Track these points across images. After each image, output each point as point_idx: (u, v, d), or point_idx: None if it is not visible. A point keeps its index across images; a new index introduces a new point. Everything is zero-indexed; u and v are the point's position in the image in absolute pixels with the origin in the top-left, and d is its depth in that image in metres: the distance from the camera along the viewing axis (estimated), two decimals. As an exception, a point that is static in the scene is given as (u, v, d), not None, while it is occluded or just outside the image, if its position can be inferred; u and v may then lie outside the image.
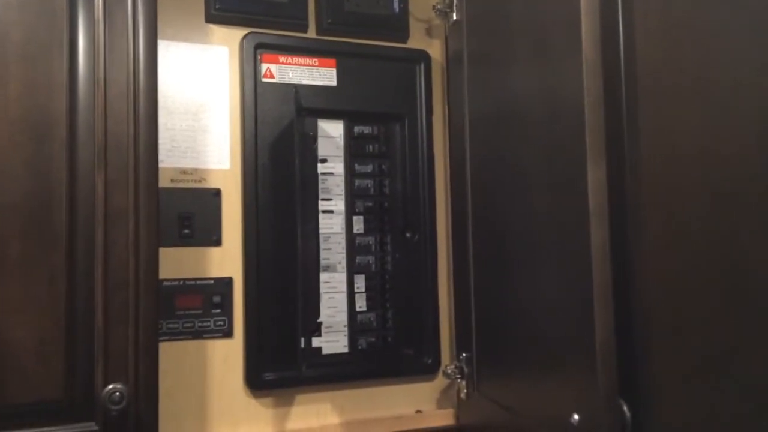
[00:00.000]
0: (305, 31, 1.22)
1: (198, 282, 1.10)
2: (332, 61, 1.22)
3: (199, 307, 1.10)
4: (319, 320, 1.18)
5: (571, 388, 0.80)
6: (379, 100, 1.25)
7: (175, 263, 1.09)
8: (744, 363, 0.63)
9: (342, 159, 1.24)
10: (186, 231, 1.10)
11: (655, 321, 0.74)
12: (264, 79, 1.17)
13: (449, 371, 1.18)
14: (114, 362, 0.86)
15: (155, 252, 0.89)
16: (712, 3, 0.66)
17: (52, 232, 0.83)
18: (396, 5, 1.27)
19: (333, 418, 1.18)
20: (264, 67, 1.17)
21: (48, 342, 0.82)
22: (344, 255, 1.23)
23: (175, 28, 1.13)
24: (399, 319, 1.25)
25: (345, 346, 1.21)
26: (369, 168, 1.25)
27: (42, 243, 0.83)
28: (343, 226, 1.23)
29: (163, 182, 1.05)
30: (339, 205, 1.23)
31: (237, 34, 1.17)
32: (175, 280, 1.09)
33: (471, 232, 1.12)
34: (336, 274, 1.22)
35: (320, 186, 1.21)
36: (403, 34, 1.29)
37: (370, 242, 1.25)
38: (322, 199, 1.22)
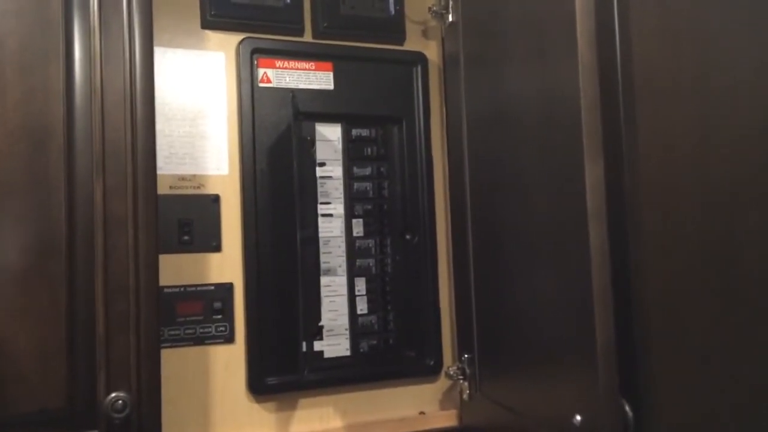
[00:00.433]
0: (301, 35, 1.22)
1: (198, 288, 1.10)
2: (329, 64, 1.22)
3: (200, 314, 1.10)
4: (320, 324, 1.18)
5: (573, 388, 0.80)
6: (377, 102, 1.25)
7: (176, 270, 1.09)
8: (743, 361, 0.63)
9: (340, 162, 1.24)
10: (186, 237, 1.10)
11: (655, 320, 0.74)
12: (261, 84, 1.17)
13: (451, 372, 1.18)
14: (116, 370, 0.86)
15: (155, 259, 0.89)
16: (708, 2, 0.67)
17: (51, 240, 0.83)
18: (392, 8, 1.27)
19: (336, 422, 1.18)
20: (261, 72, 1.17)
21: (49, 350, 0.82)
22: (344, 258, 1.23)
23: (170, 35, 1.13)
24: (400, 321, 1.25)
25: (347, 349, 1.21)
26: (368, 171, 1.25)
27: (42, 251, 0.83)
28: (343, 230, 1.23)
29: (162, 189, 1.05)
30: (338, 208, 1.23)
31: (233, 39, 1.17)
32: (175, 286, 1.09)
33: (470, 233, 1.12)
34: (336, 278, 1.22)
35: (319, 190, 1.21)
36: (400, 37, 1.29)
37: (370, 245, 1.25)
38: (321, 203, 1.21)
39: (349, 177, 1.24)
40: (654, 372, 0.74)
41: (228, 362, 1.11)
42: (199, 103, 1.14)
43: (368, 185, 1.25)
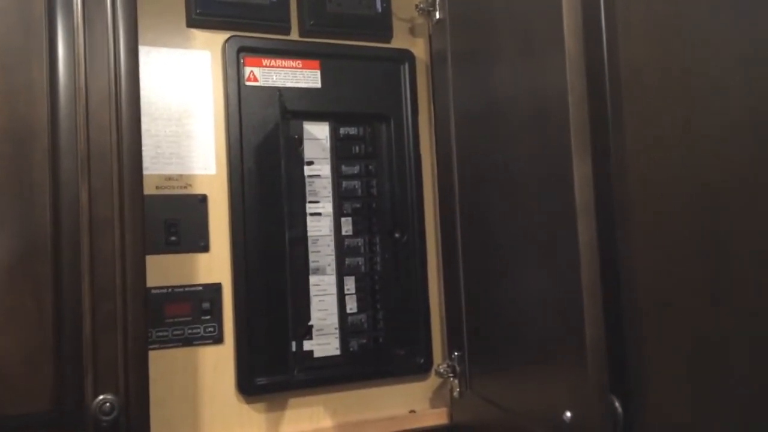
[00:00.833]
0: (288, 34, 1.22)
1: (186, 289, 1.10)
2: (316, 62, 1.22)
3: (189, 314, 1.09)
4: (309, 323, 1.17)
5: (563, 385, 0.80)
6: (365, 100, 1.25)
7: (163, 271, 1.08)
8: (733, 357, 0.63)
9: (328, 161, 1.23)
10: (173, 238, 1.09)
11: (644, 316, 0.74)
12: (248, 83, 1.17)
13: (441, 370, 1.18)
14: (103, 372, 0.85)
15: (142, 260, 0.88)
16: (693, -3, 0.67)
17: (36, 241, 0.83)
18: (379, 5, 1.27)
19: (326, 421, 1.18)
20: (247, 70, 1.17)
21: (36, 353, 0.82)
22: (333, 257, 1.22)
23: (156, 34, 1.13)
24: (390, 319, 1.24)
25: (336, 348, 1.21)
26: (356, 169, 1.25)
27: (27, 253, 0.82)
28: (332, 228, 1.23)
29: (149, 189, 1.04)
30: (327, 207, 1.23)
31: (219, 38, 1.16)
32: (163, 287, 1.08)
33: (459, 231, 1.12)
34: (325, 277, 1.22)
35: (307, 188, 1.21)
36: (387, 34, 1.28)
37: (359, 244, 1.24)
38: (310, 202, 1.21)
39: (337, 175, 1.24)
40: (644, 368, 0.74)
41: (217, 363, 1.11)
42: (185, 103, 1.13)
43: (356, 183, 1.25)
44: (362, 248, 1.25)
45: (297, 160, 1.17)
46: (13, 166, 0.82)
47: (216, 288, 1.12)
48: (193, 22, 1.15)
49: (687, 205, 0.67)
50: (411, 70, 1.28)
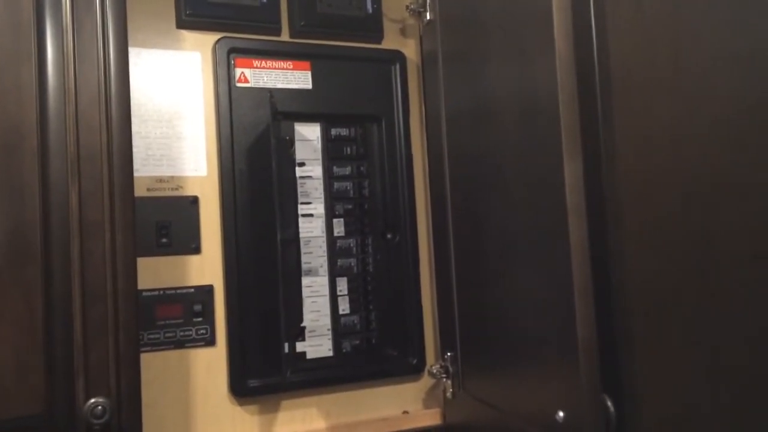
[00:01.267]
0: (278, 35, 1.22)
1: (178, 291, 1.09)
2: (307, 63, 1.21)
3: (180, 317, 1.09)
4: (302, 325, 1.17)
5: (556, 385, 0.80)
6: (356, 101, 1.25)
7: (154, 273, 1.08)
8: (725, 355, 0.63)
9: (320, 162, 1.23)
10: (164, 240, 1.09)
11: (636, 316, 0.74)
12: (238, 84, 1.16)
13: (434, 371, 1.18)
14: (95, 375, 0.84)
15: (133, 262, 0.87)
16: (682, -3, 0.67)
17: (26, 245, 0.82)
18: (369, 6, 1.27)
19: (319, 423, 1.18)
20: (238, 71, 1.16)
21: (26, 357, 0.81)
22: (325, 258, 1.22)
23: (145, 35, 1.12)
24: (383, 320, 1.24)
25: (329, 349, 1.21)
26: (347, 170, 1.25)
27: (17, 257, 0.81)
28: (324, 230, 1.22)
29: (139, 191, 1.03)
30: (318, 208, 1.22)
31: (209, 39, 1.16)
32: (154, 290, 1.08)
33: (451, 231, 1.12)
34: (318, 278, 1.22)
35: (299, 190, 1.21)
36: (378, 35, 1.28)
37: (351, 245, 1.24)
38: (302, 203, 1.21)
39: (328, 176, 1.24)
40: (636, 367, 0.74)
41: (209, 365, 1.10)
42: (175, 104, 1.13)
43: (348, 185, 1.25)
44: (354, 249, 1.24)
45: (288, 161, 1.16)
46: (2, 168, 0.82)
47: (208, 290, 1.11)
48: (183, 23, 1.15)
49: (678, 205, 0.68)
50: (402, 71, 1.28)
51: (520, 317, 0.91)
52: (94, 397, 0.84)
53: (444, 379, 1.16)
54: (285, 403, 1.15)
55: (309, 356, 1.19)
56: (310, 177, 1.22)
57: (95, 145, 0.87)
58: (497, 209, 0.96)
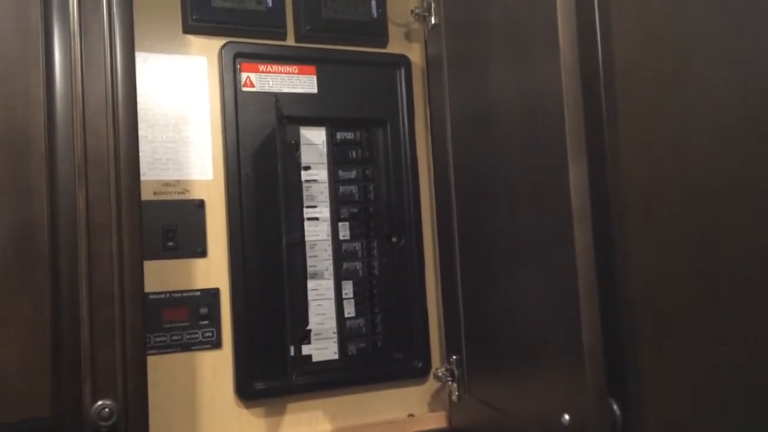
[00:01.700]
0: (284, 39, 1.22)
1: (184, 294, 1.10)
2: (312, 68, 1.22)
3: (187, 319, 1.09)
4: (308, 328, 1.18)
5: (561, 388, 0.80)
6: (361, 105, 1.25)
7: (161, 276, 1.08)
8: (731, 359, 0.63)
9: (325, 166, 1.24)
10: (170, 243, 1.09)
11: (641, 319, 0.74)
12: (244, 89, 1.17)
13: (440, 374, 1.18)
14: (102, 378, 0.85)
15: (139, 265, 0.88)
16: (687, 1, 0.67)
17: (34, 248, 0.83)
18: (374, 10, 1.27)
19: (325, 426, 1.18)
20: (243, 76, 1.17)
21: (34, 359, 0.82)
22: (331, 262, 1.23)
23: (152, 40, 1.13)
24: (388, 323, 1.25)
25: (335, 352, 1.21)
26: (353, 174, 1.25)
27: (25, 260, 0.82)
28: (329, 233, 1.23)
29: (146, 195, 1.04)
30: (324, 212, 1.23)
31: (215, 44, 1.16)
32: (161, 293, 1.08)
33: (457, 235, 1.12)
34: (323, 281, 1.22)
35: (304, 193, 1.21)
36: (383, 39, 1.29)
37: (357, 248, 1.24)
38: (307, 207, 1.21)
39: (334, 180, 1.24)
40: (641, 370, 0.74)
41: (215, 368, 1.11)
42: (182, 109, 1.14)
43: (354, 188, 1.25)
44: (360, 252, 1.25)
45: (294, 165, 1.17)
46: (11, 172, 0.82)
47: (214, 293, 1.12)
48: (189, 29, 1.15)
49: (683, 207, 0.68)
50: (407, 75, 1.28)
51: (525, 320, 0.91)
52: (101, 399, 0.84)
53: (449, 382, 1.16)
54: (291, 405, 1.16)
55: (315, 359, 1.19)
56: (315, 181, 1.23)
57: (102, 149, 0.87)
58: (502, 212, 0.96)
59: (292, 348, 1.10)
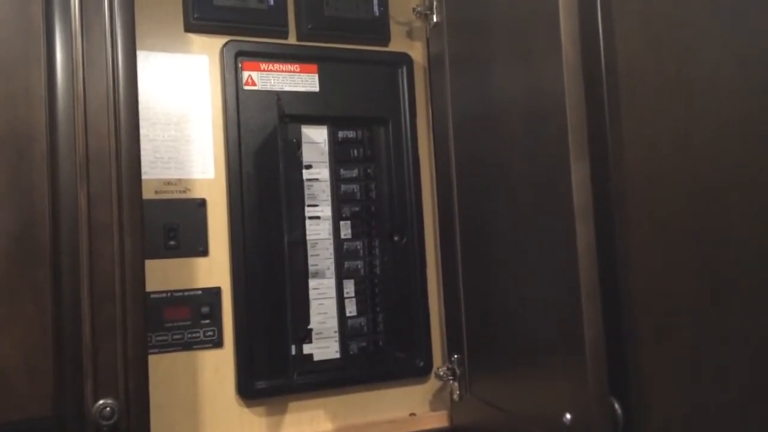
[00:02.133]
0: (285, 38, 1.22)
1: (186, 293, 1.10)
2: (314, 66, 1.22)
3: (188, 319, 1.09)
4: (309, 327, 1.17)
5: (563, 387, 0.80)
6: (363, 104, 1.25)
7: (162, 275, 1.08)
8: (732, 358, 0.63)
9: (327, 164, 1.23)
10: (172, 242, 1.09)
11: (643, 318, 0.74)
12: (246, 87, 1.17)
13: (441, 373, 1.18)
14: (103, 377, 0.85)
15: (141, 264, 0.88)
16: (690, 1, 0.67)
17: (36, 247, 0.83)
18: (376, 9, 1.27)
19: (326, 425, 1.18)
20: (245, 74, 1.17)
21: (35, 358, 0.82)
22: (332, 260, 1.22)
23: (153, 39, 1.13)
24: (389, 322, 1.24)
25: (336, 351, 1.21)
26: (354, 173, 1.25)
27: (26, 259, 0.82)
28: (331, 232, 1.23)
29: (147, 194, 1.04)
30: (326, 210, 1.23)
31: (217, 42, 1.16)
32: (162, 292, 1.08)
33: (458, 234, 1.12)
34: (325, 280, 1.22)
35: (306, 192, 1.21)
36: (384, 38, 1.29)
37: (358, 247, 1.24)
38: (309, 206, 1.21)
39: (336, 179, 1.24)
40: (643, 369, 0.74)
41: (217, 367, 1.11)
42: (183, 107, 1.13)
43: (355, 187, 1.25)
44: (361, 251, 1.25)
45: (296, 163, 1.17)
46: (12, 172, 0.82)
47: (215, 292, 1.12)
48: (190, 27, 1.15)
49: (685, 207, 0.68)
50: (409, 74, 1.28)
51: (527, 319, 0.91)
52: (102, 398, 0.84)
53: (451, 382, 1.16)
54: (292, 405, 1.16)
55: (316, 358, 1.19)
56: (317, 179, 1.23)
57: (104, 148, 0.87)
58: (504, 211, 0.96)
59: (293, 347, 1.10)
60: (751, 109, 0.60)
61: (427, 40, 1.27)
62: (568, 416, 0.78)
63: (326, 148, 1.24)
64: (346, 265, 1.23)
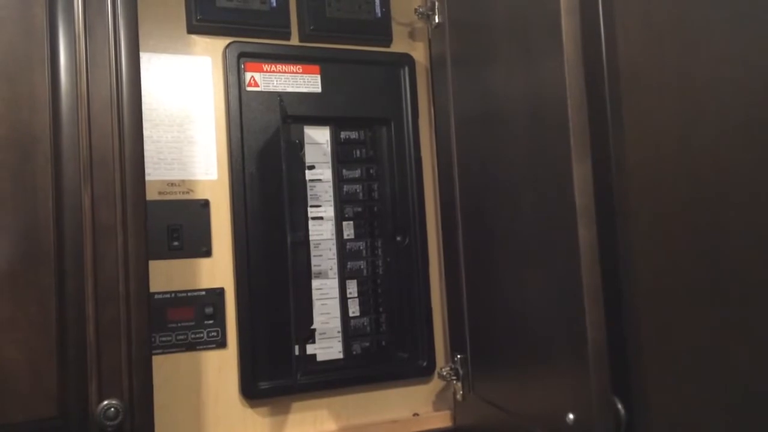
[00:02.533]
0: (288, 39, 1.22)
1: (189, 294, 1.10)
2: (316, 67, 1.22)
3: (192, 319, 1.09)
4: (312, 327, 1.18)
5: (566, 387, 0.80)
6: (365, 104, 1.25)
7: (166, 276, 1.09)
8: (735, 359, 0.63)
9: (330, 165, 1.24)
10: (175, 243, 1.10)
11: (646, 318, 0.74)
12: (248, 88, 1.17)
13: (444, 373, 1.18)
14: (107, 378, 0.85)
15: (145, 265, 0.88)
16: (692, 0, 0.67)
17: (40, 249, 0.83)
18: (378, 9, 1.27)
19: (330, 425, 1.18)
20: (248, 76, 1.17)
21: (39, 359, 0.82)
22: (335, 261, 1.23)
23: (156, 40, 1.13)
24: (392, 322, 1.25)
25: (339, 351, 1.21)
26: (357, 173, 1.25)
27: (30, 260, 0.82)
28: (333, 232, 1.23)
29: (151, 195, 1.05)
30: (328, 211, 1.23)
31: (219, 43, 1.17)
32: (166, 292, 1.08)
33: (461, 234, 1.12)
34: (328, 281, 1.22)
35: (309, 193, 1.21)
36: (386, 38, 1.29)
37: (361, 247, 1.25)
38: (311, 206, 1.21)
39: (338, 179, 1.24)
40: (646, 370, 0.74)
41: (220, 367, 1.11)
42: (186, 108, 1.14)
43: (358, 187, 1.25)
44: (364, 252, 1.25)
45: (298, 164, 1.17)
46: (16, 173, 0.83)
47: (219, 292, 1.12)
48: (193, 29, 1.15)
49: (687, 207, 0.68)
50: (411, 74, 1.28)
51: (530, 319, 0.91)
52: (107, 399, 0.84)
53: (454, 382, 1.16)
54: (295, 405, 1.16)
55: (319, 358, 1.20)
56: (319, 180, 1.23)
57: (107, 149, 0.87)
58: (507, 212, 0.96)
59: (296, 347, 1.11)
60: (753, 108, 0.60)
61: (429, 40, 1.27)
62: (571, 416, 0.78)
63: (329, 149, 1.24)
64: (348, 266, 1.23)
